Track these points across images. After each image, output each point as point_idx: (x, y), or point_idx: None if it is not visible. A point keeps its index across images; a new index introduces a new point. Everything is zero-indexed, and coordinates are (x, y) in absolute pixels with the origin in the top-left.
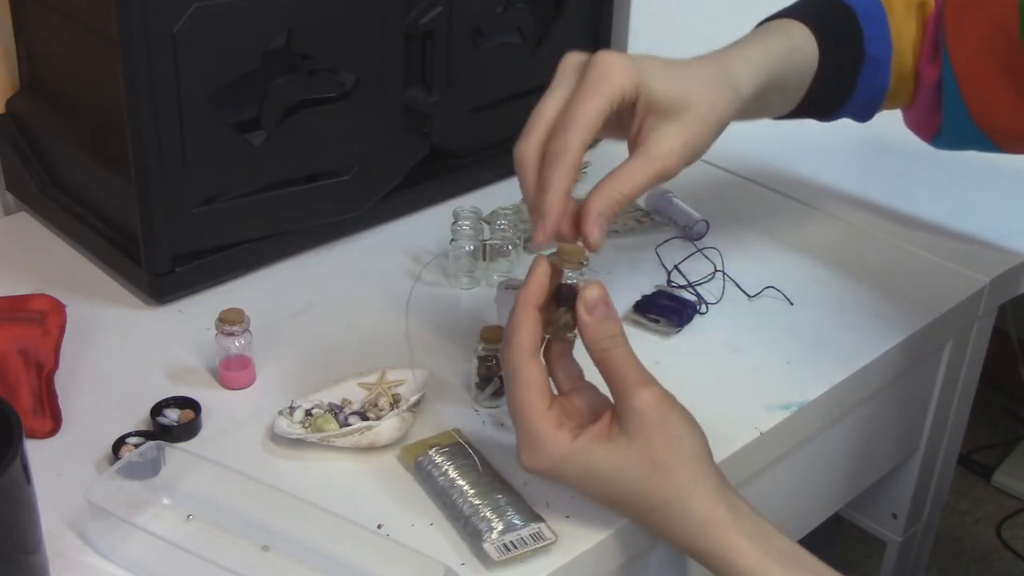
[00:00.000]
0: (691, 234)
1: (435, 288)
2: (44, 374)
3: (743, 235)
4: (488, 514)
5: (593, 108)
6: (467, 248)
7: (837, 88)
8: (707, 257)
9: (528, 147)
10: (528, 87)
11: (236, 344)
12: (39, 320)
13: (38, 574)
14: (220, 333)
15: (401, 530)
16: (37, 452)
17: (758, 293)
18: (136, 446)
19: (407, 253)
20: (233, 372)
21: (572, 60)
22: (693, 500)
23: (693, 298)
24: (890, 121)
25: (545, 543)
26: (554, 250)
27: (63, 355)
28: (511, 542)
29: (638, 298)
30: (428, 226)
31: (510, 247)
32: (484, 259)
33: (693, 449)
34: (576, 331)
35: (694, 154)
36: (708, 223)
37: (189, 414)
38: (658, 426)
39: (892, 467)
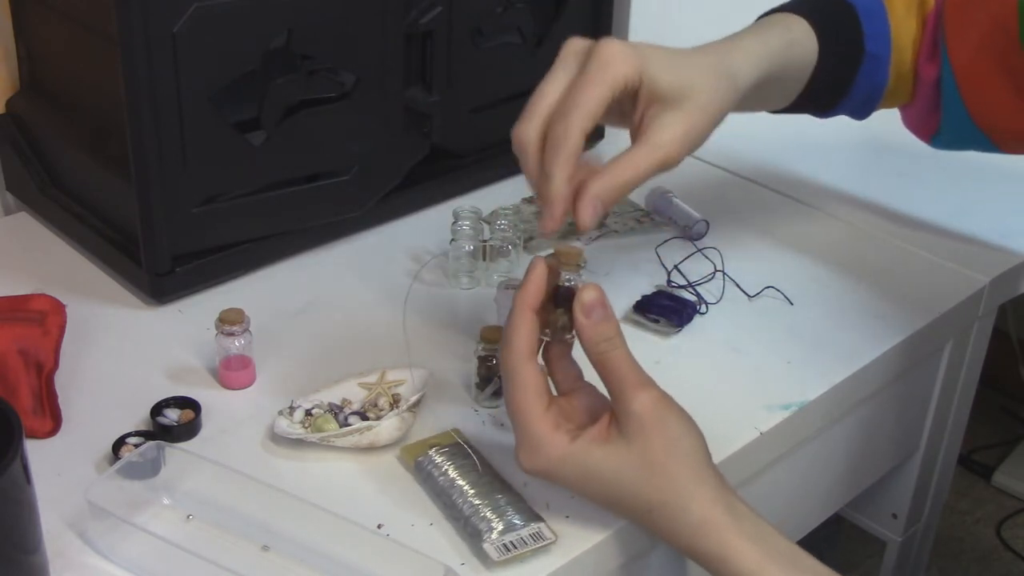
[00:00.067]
0: (691, 234)
1: (435, 288)
2: (44, 374)
3: (743, 235)
4: (488, 514)
5: (595, 95)
6: (467, 248)
7: (836, 84)
8: (707, 257)
9: (528, 129)
10: (528, 87)
11: (236, 344)
12: (39, 320)
13: (38, 574)
14: (220, 333)
15: (401, 530)
16: (37, 452)
17: (758, 293)
18: (136, 446)
19: (407, 253)
20: (233, 372)
21: (575, 45)
22: (692, 502)
23: (693, 298)
24: (890, 121)
25: (545, 543)
26: (552, 251)
27: (63, 355)
28: (511, 542)
29: (638, 298)
30: (428, 226)
31: (510, 247)
32: (484, 259)
33: (691, 451)
34: (574, 333)
35: (695, 143)
36: (708, 223)
37: (189, 414)
38: (656, 429)
39: (892, 467)
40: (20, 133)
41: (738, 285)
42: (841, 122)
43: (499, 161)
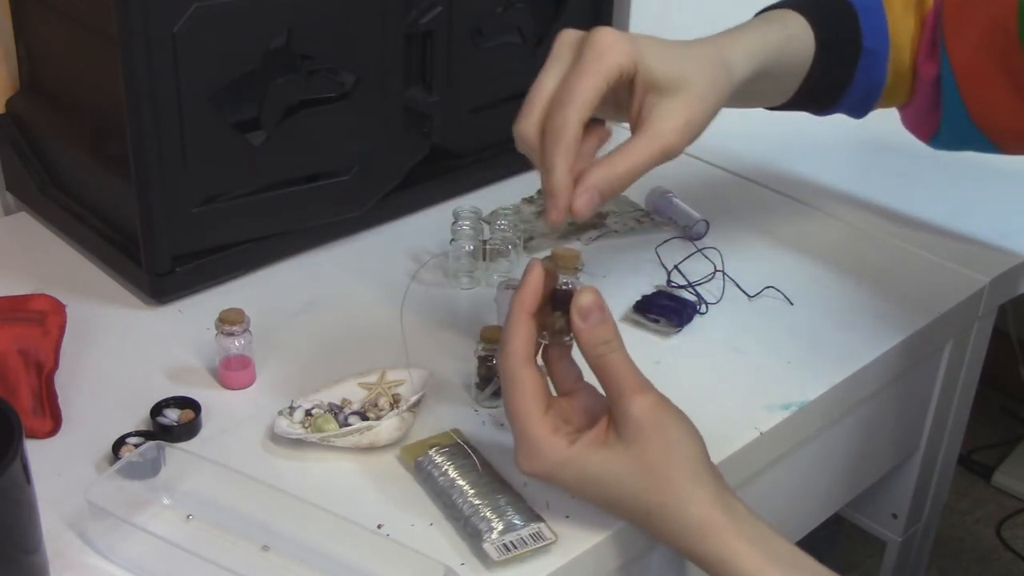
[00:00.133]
0: (691, 234)
1: (435, 288)
2: (44, 374)
3: (743, 235)
4: (488, 514)
5: (591, 85)
6: (467, 248)
7: (833, 80)
8: (707, 257)
9: (528, 125)
10: (528, 87)
11: (236, 344)
12: (39, 320)
13: (38, 574)
14: (220, 333)
15: (401, 530)
16: (37, 452)
17: (758, 293)
18: (136, 446)
19: (407, 253)
20: (233, 372)
21: (568, 36)
22: (690, 504)
23: (693, 298)
24: (889, 121)
25: (545, 543)
26: (549, 253)
27: (63, 355)
28: (511, 542)
29: (638, 298)
30: (428, 226)
31: (510, 247)
32: (484, 259)
33: (690, 454)
34: (572, 335)
35: (695, 133)
36: (708, 223)
37: (189, 414)
38: (654, 432)
39: (892, 467)
40: (20, 133)
41: (738, 285)
42: (841, 122)
43: (499, 161)
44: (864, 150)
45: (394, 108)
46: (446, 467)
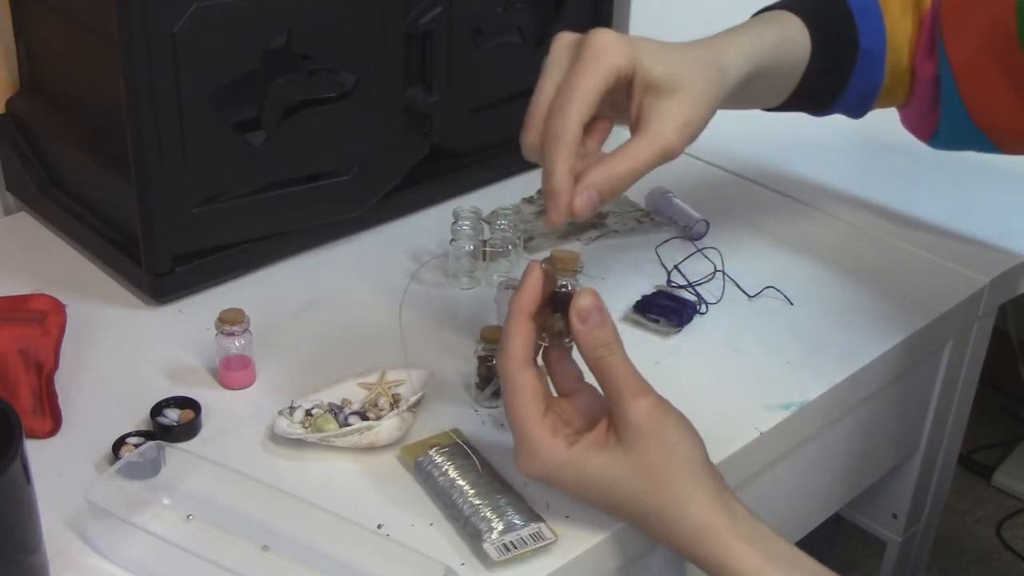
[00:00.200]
0: (691, 234)
1: (435, 288)
2: (44, 374)
3: (743, 235)
4: (488, 514)
5: (589, 86)
6: (467, 248)
7: (830, 81)
8: (707, 257)
9: (534, 137)
10: (528, 87)
11: (236, 344)
12: (39, 320)
13: (38, 574)
14: (220, 333)
15: (401, 530)
16: (37, 452)
17: (758, 293)
18: (136, 446)
19: (407, 253)
20: (233, 372)
21: (565, 39)
22: (690, 506)
23: (693, 298)
24: (889, 121)
25: (545, 543)
26: (548, 255)
27: (63, 355)
28: (511, 542)
29: (638, 298)
30: (428, 226)
31: (510, 247)
32: (484, 259)
33: (689, 456)
34: (572, 337)
35: (694, 133)
36: (708, 223)
37: (189, 414)
38: (654, 435)
39: (892, 467)
40: (20, 133)
41: (738, 285)
42: (841, 122)
43: (499, 161)
44: (864, 150)
45: (394, 108)
46: (446, 467)
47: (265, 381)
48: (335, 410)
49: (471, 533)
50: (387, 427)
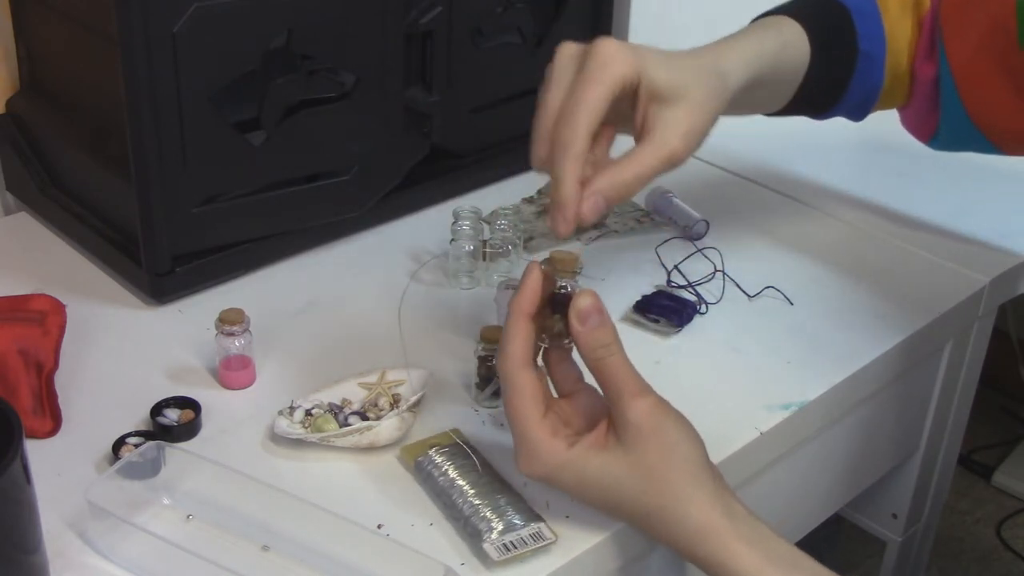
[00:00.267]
0: (691, 234)
1: (435, 288)
2: (44, 374)
3: (743, 235)
4: (488, 514)
5: (597, 95)
6: (467, 248)
7: (831, 85)
8: (707, 257)
9: (544, 151)
10: (528, 87)
11: (236, 344)
12: (39, 320)
13: (38, 574)
14: (220, 333)
15: (401, 530)
16: (37, 452)
17: (758, 293)
18: (136, 446)
19: (407, 253)
20: (233, 372)
21: (569, 50)
22: (690, 506)
23: (693, 298)
24: (889, 121)
25: (545, 543)
26: (548, 256)
27: (63, 355)
28: (511, 542)
29: (638, 298)
30: (428, 226)
31: (510, 247)
32: (484, 259)
33: (689, 456)
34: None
35: (698, 141)
36: (708, 223)
37: (189, 414)
38: (653, 436)
39: (892, 467)
40: (20, 133)
41: (738, 285)
42: (841, 122)
43: (499, 161)
44: (864, 150)
45: (394, 108)
46: (446, 467)
47: (265, 381)
48: (335, 410)
49: (471, 533)
50: (387, 427)
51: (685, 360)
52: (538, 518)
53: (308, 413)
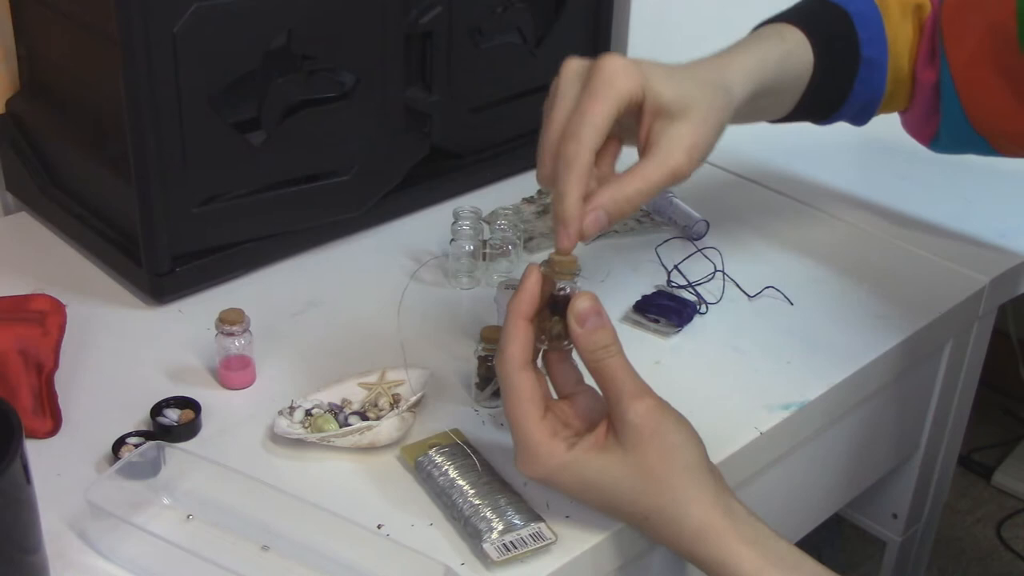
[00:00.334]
0: (691, 234)
1: (435, 288)
2: (44, 374)
3: (743, 235)
4: (488, 514)
5: (601, 112)
6: (467, 248)
7: (833, 91)
8: (707, 257)
9: (550, 168)
10: (528, 87)
11: (236, 344)
12: (39, 320)
13: (38, 574)
14: (220, 333)
15: (401, 530)
16: (37, 452)
17: (758, 293)
18: (136, 446)
19: (407, 253)
20: (233, 372)
21: (574, 66)
22: (690, 507)
23: (693, 298)
24: (890, 122)
25: (545, 543)
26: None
27: (63, 355)
28: (511, 542)
29: (638, 298)
30: (428, 226)
31: (510, 247)
32: (484, 259)
33: (689, 457)
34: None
35: (703, 155)
36: (708, 223)
37: (189, 414)
38: (653, 438)
39: (892, 467)
40: (20, 133)
41: (738, 285)
42: (840, 123)
43: (499, 161)
44: (864, 150)
45: (394, 108)
46: (446, 467)
47: (265, 381)
48: (335, 410)
49: (471, 533)
50: (387, 427)
51: (685, 360)
52: (538, 518)
53: (308, 413)
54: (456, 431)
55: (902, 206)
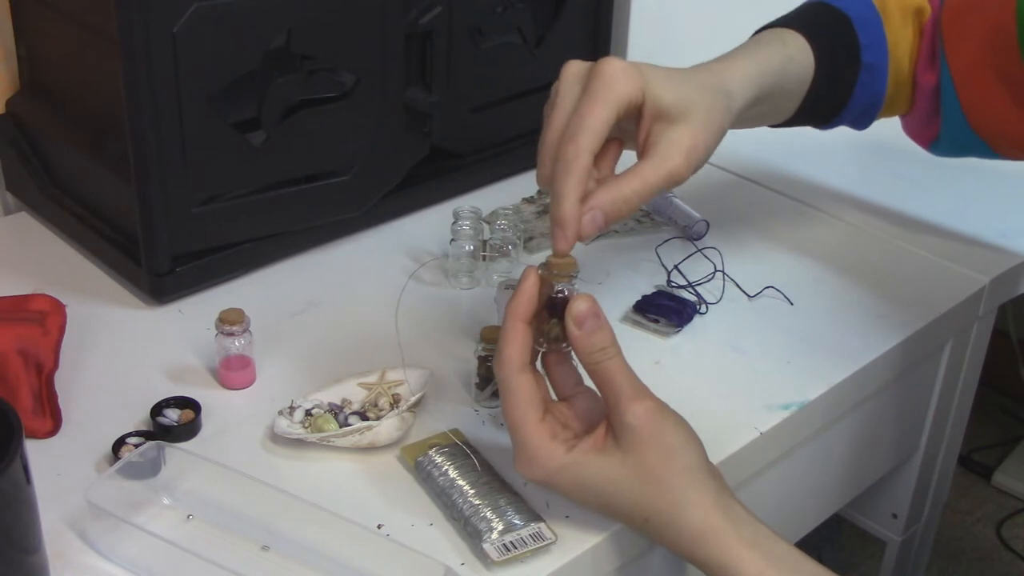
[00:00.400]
0: (691, 234)
1: (435, 288)
2: (44, 374)
3: (743, 235)
4: (488, 514)
5: (601, 115)
6: (467, 248)
7: (834, 96)
8: (707, 257)
9: (549, 170)
10: (528, 87)
11: (236, 344)
12: (39, 320)
13: (38, 574)
14: (220, 333)
15: (401, 530)
16: (37, 452)
17: (758, 293)
18: (136, 446)
19: (407, 253)
20: (233, 372)
21: (574, 69)
22: (689, 509)
23: (693, 298)
24: (890, 122)
25: (545, 543)
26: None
27: (63, 355)
28: (511, 542)
29: (638, 298)
30: (428, 226)
31: (510, 247)
32: (484, 259)
33: (688, 459)
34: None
35: (701, 158)
36: (708, 223)
37: (189, 414)
38: (651, 439)
39: (892, 467)
40: (20, 133)
41: (738, 285)
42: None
43: (499, 161)
44: (864, 150)
45: (394, 108)
46: (446, 467)
47: (265, 381)
48: (335, 410)
49: (471, 533)
50: (387, 427)
51: (685, 360)
52: (538, 518)
53: (308, 413)
54: (456, 431)
55: (902, 206)
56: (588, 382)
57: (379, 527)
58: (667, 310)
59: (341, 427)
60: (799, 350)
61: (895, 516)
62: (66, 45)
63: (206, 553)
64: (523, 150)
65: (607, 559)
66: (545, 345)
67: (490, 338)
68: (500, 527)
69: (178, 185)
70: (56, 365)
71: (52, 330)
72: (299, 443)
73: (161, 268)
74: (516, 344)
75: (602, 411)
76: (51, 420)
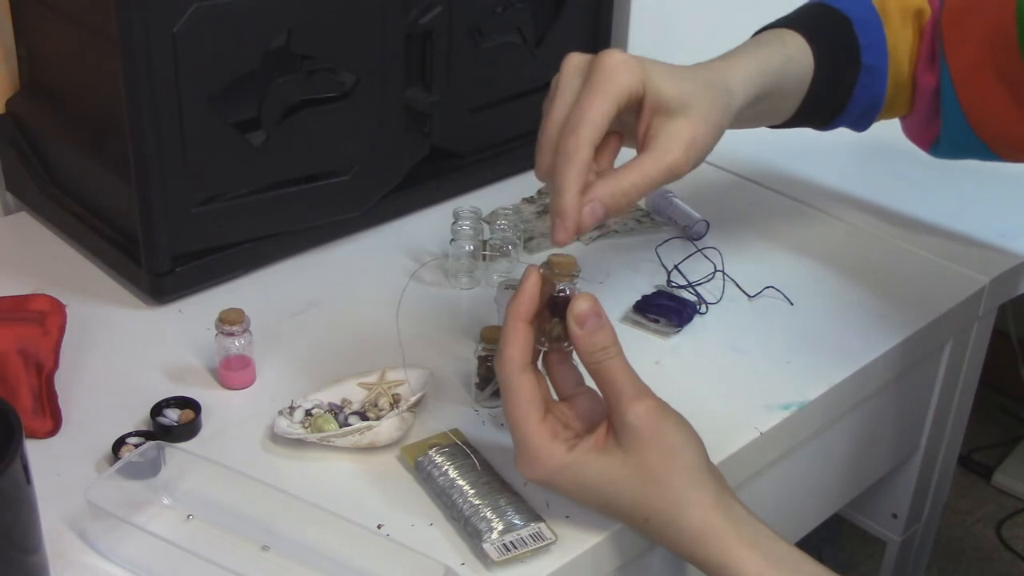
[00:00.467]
0: (691, 234)
1: (435, 288)
2: (44, 374)
3: (743, 235)
4: (488, 514)
5: (601, 107)
6: (467, 248)
7: (834, 97)
8: (707, 257)
9: (548, 162)
10: (528, 87)
11: (236, 344)
12: (39, 320)
13: (38, 574)
14: (220, 333)
15: (401, 530)
16: (37, 452)
17: (758, 293)
18: (136, 446)
19: (407, 253)
20: (233, 372)
21: (575, 61)
22: (690, 509)
23: (693, 298)
24: (889, 122)
25: (545, 543)
26: (546, 259)
27: (63, 355)
28: (511, 542)
29: (638, 298)
30: (428, 226)
31: (510, 247)
32: (484, 259)
33: (688, 459)
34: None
35: (701, 152)
36: (708, 223)
37: (189, 414)
38: (652, 439)
39: (892, 467)
40: (20, 133)
41: (738, 285)
42: None
43: (499, 161)
44: (864, 150)
45: (394, 108)
46: (446, 467)
47: (265, 381)
48: (335, 410)
49: (471, 533)
50: (387, 427)
51: (685, 360)
52: (538, 518)
53: (308, 413)
54: (456, 431)
55: (902, 206)
56: (589, 382)
57: (379, 527)
58: (667, 310)
59: (341, 427)
60: (799, 350)
61: (895, 516)
62: (66, 45)
63: (206, 553)
64: (523, 150)
65: (607, 559)
66: (546, 344)
67: (490, 338)
68: (500, 527)
69: (178, 185)
70: (56, 365)
71: (52, 330)
72: (299, 443)
73: (161, 268)
74: (517, 344)
75: (603, 411)
76: (51, 420)
